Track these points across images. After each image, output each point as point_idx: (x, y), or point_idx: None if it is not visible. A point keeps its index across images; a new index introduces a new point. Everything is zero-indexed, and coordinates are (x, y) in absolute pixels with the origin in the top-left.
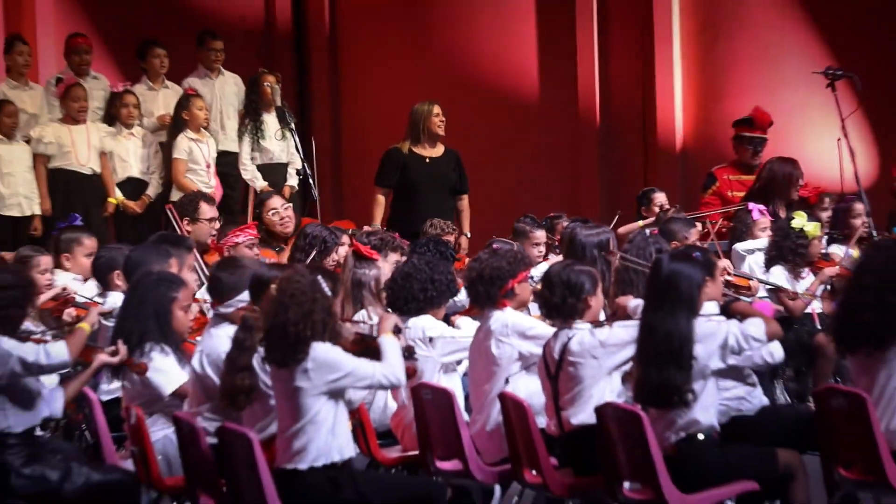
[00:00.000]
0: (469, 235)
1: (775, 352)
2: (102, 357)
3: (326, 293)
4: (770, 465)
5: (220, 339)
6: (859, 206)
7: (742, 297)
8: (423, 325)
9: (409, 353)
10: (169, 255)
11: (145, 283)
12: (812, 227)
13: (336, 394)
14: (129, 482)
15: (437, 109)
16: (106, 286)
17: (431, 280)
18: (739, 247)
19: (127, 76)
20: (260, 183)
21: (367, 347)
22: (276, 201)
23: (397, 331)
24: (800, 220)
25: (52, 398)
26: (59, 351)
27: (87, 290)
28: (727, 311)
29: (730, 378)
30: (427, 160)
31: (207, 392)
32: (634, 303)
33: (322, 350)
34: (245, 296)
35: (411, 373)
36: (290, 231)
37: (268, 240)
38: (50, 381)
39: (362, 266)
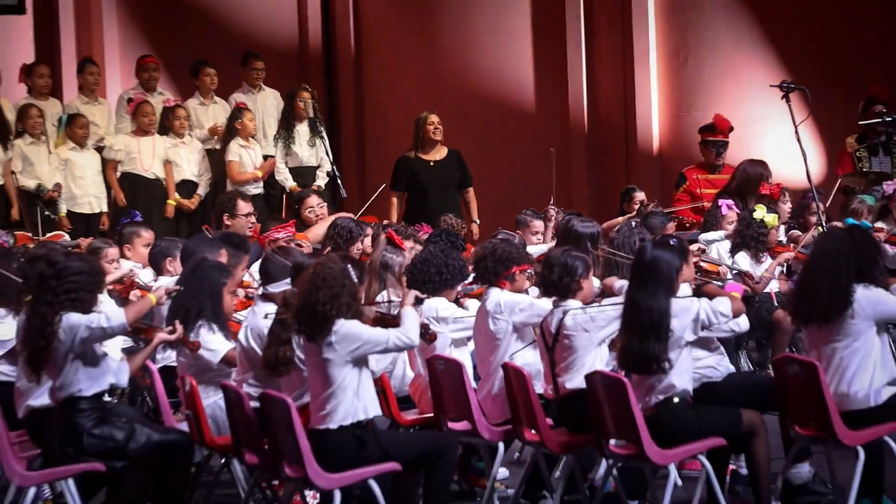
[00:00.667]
0: (478, 222)
1: (741, 322)
2: (161, 335)
3: (354, 280)
4: (736, 424)
5: (261, 315)
6: (813, 204)
7: (713, 281)
8: (437, 306)
9: (424, 329)
10: (220, 246)
11: (203, 268)
12: (770, 218)
13: (359, 361)
14: (184, 441)
15: (431, 118)
16: (159, 272)
17: (446, 265)
18: (703, 237)
19: (181, 92)
20: (290, 184)
21: (385, 324)
22: (312, 200)
23: (419, 302)
24: (760, 212)
25: (120, 370)
26: (118, 315)
27: (145, 275)
28: (699, 292)
29: (701, 348)
30: (431, 164)
31: (251, 362)
32: (619, 283)
33: (345, 326)
34: (290, 281)
35: (433, 338)
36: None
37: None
38: (115, 354)
39: (392, 251)
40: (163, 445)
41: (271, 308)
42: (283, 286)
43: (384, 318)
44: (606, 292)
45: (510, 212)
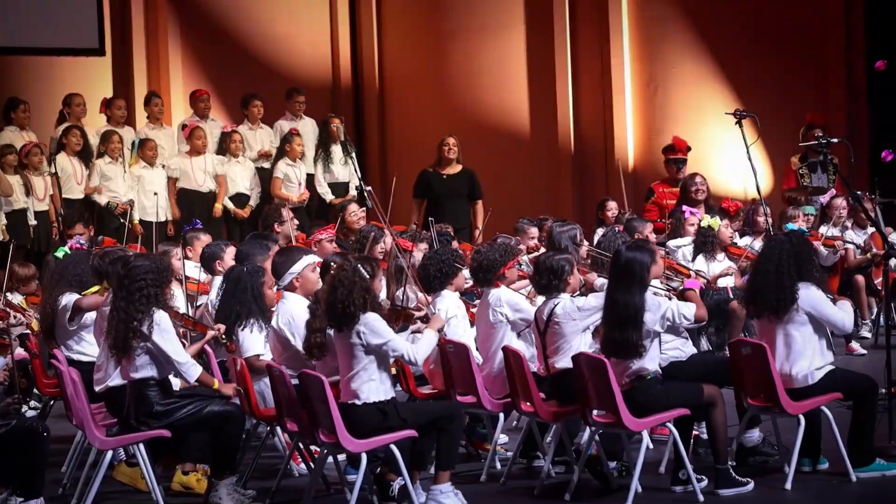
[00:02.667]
0: (480, 228)
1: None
2: (211, 333)
3: (364, 276)
4: (698, 397)
5: (287, 304)
6: (760, 209)
7: (681, 278)
8: (445, 307)
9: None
10: (268, 248)
11: (242, 276)
12: (712, 221)
13: (378, 352)
14: (236, 412)
15: (448, 140)
16: (211, 271)
17: (441, 261)
18: (671, 244)
19: (232, 119)
20: (329, 196)
21: (398, 314)
22: (354, 206)
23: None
24: (706, 220)
25: (189, 371)
26: (191, 373)
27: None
28: (682, 296)
29: (669, 333)
30: (444, 177)
31: (283, 344)
32: (600, 281)
33: (373, 318)
34: (295, 268)
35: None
36: (362, 225)
37: (346, 233)
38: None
39: (402, 255)
40: (218, 415)
41: (291, 296)
42: (289, 277)
43: (398, 309)
44: (589, 287)
45: (507, 219)
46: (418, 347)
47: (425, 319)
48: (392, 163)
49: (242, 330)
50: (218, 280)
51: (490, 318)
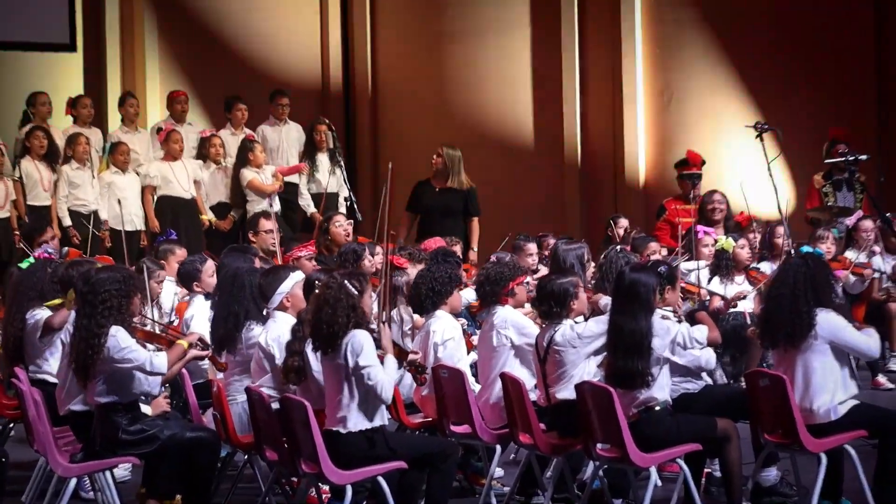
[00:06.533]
0: (475, 249)
1: (710, 360)
2: (193, 352)
3: (352, 293)
4: (711, 431)
5: (278, 323)
6: (780, 229)
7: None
8: (440, 328)
9: (421, 369)
10: (251, 261)
11: (240, 276)
12: (725, 243)
13: (357, 373)
14: (211, 438)
15: (438, 151)
16: (189, 289)
17: (434, 279)
18: (684, 267)
19: (213, 123)
20: (311, 209)
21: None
22: (340, 218)
23: (422, 371)
24: (719, 242)
25: (154, 382)
26: (161, 363)
27: (167, 291)
28: (692, 318)
29: (686, 375)
30: (437, 189)
31: (269, 362)
32: (605, 301)
33: (361, 336)
34: (283, 287)
35: (423, 381)
36: (349, 240)
37: (330, 247)
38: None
39: (396, 274)
40: (191, 441)
41: (280, 315)
42: (278, 298)
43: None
44: (595, 309)
45: (512, 237)
46: (387, 389)
47: (419, 369)
48: (384, 174)
49: (247, 332)
50: (198, 300)
51: (493, 340)
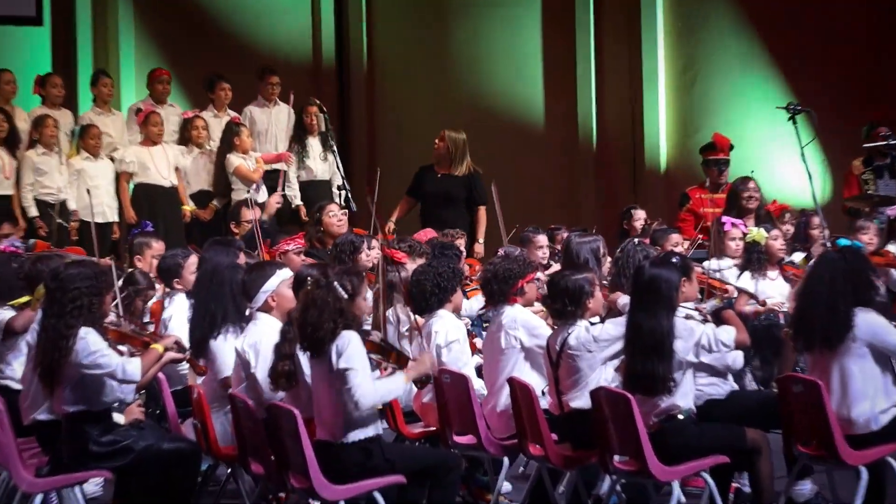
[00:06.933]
0: (481, 241)
1: (738, 359)
2: (170, 355)
3: (340, 296)
4: (739, 441)
5: (259, 325)
6: (816, 220)
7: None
8: (445, 329)
9: (427, 378)
10: (235, 255)
11: (220, 272)
12: (757, 234)
13: (340, 377)
14: (190, 449)
15: (440, 134)
16: (170, 287)
17: (438, 274)
18: (709, 264)
19: (195, 105)
20: (297, 201)
21: (386, 353)
22: (334, 207)
23: (422, 383)
24: (750, 234)
25: (127, 389)
26: (134, 370)
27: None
28: (718, 317)
29: (711, 374)
30: (438, 176)
31: (247, 374)
32: (623, 300)
33: (349, 337)
34: (269, 285)
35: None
36: (343, 231)
37: (323, 239)
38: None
39: (393, 269)
40: (169, 453)
41: (265, 318)
42: (263, 296)
43: (387, 349)
44: (612, 308)
45: (519, 229)
46: (384, 394)
47: (423, 379)
48: (381, 159)
49: (215, 339)
50: (179, 299)
51: (501, 342)
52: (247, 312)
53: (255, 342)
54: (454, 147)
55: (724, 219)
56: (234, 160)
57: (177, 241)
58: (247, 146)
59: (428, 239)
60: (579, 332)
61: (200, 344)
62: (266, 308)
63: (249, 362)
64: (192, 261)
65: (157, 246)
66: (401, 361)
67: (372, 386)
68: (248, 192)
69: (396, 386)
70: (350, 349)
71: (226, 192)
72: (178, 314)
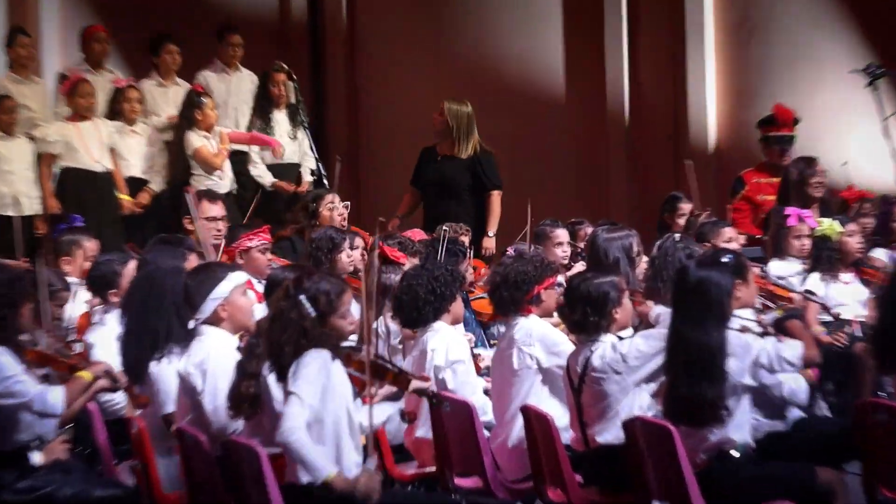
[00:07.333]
0: (491, 235)
1: (798, 391)
2: (102, 383)
3: (306, 313)
4: (808, 484)
5: (205, 342)
6: None
7: (780, 307)
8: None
9: (437, 400)
10: (185, 256)
11: (158, 280)
12: (828, 227)
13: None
14: (127, 498)
15: (440, 107)
16: (103, 299)
17: (434, 278)
18: (772, 266)
19: (134, 71)
20: (268, 179)
21: (383, 372)
22: (333, 198)
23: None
24: (819, 227)
25: (48, 404)
26: (56, 400)
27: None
28: (781, 327)
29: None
30: (440, 158)
31: (193, 402)
32: (656, 311)
33: (310, 360)
34: (218, 291)
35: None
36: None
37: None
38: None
39: (388, 270)
40: (102, 501)
41: (215, 332)
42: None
43: (384, 367)
44: (643, 322)
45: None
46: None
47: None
48: (365, 138)
49: (158, 362)
50: (112, 318)
51: (514, 361)
52: (190, 325)
53: (201, 361)
54: (456, 122)
55: (789, 210)
56: (195, 140)
57: (112, 242)
58: (211, 120)
59: (419, 240)
60: (605, 349)
61: (136, 369)
62: (215, 319)
63: (195, 387)
64: (132, 267)
65: (91, 245)
66: (399, 382)
67: (302, 430)
68: (214, 179)
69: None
70: (304, 371)
71: (183, 176)
72: (109, 335)
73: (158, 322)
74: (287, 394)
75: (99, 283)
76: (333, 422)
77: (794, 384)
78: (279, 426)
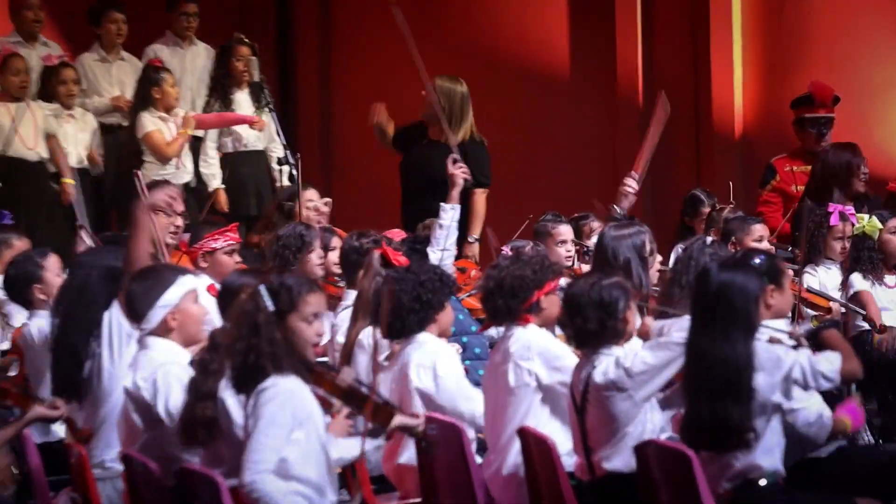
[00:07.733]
0: (472, 240)
1: (822, 426)
2: (40, 410)
3: (264, 305)
4: None
5: (152, 355)
6: None
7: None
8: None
9: (427, 443)
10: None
11: (91, 288)
12: (868, 224)
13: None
14: None
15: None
16: (28, 304)
17: (420, 283)
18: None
19: (73, 45)
20: (215, 183)
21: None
22: (312, 194)
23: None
24: (859, 225)
25: None
26: None
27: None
28: (816, 339)
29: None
30: (424, 143)
31: (144, 423)
32: (658, 324)
33: (274, 394)
34: (167, 299)
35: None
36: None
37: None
38: None
39: (380, 276)
40: None
41: (164, 344)
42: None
43: (355, 394)
44: (644, 335)
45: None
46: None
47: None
48: (342, 121)
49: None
50: (40, 321)
51: (510, 378)
52: (135, 337)
53: (151, 376)
54: (447, 101)
55: (833, 206)
56: (148, 122)
57: (49, 237)
58: (171, 100)
59: (400, 240)
60: (608, 365)
61: (70, 388)
62: (163, 330)
63: (148, 403)
64: (54, 261)
65: (21, 244)
66: (379, 417)
67: (269, 478)
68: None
69: (348, 450)
70: (265, 410)
71: (135, 164)
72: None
73: (90, 333)
74: (247, 435)
75: (16, 283)
76: (303, 458)
77: (810, 414)
78: (242, 474)
